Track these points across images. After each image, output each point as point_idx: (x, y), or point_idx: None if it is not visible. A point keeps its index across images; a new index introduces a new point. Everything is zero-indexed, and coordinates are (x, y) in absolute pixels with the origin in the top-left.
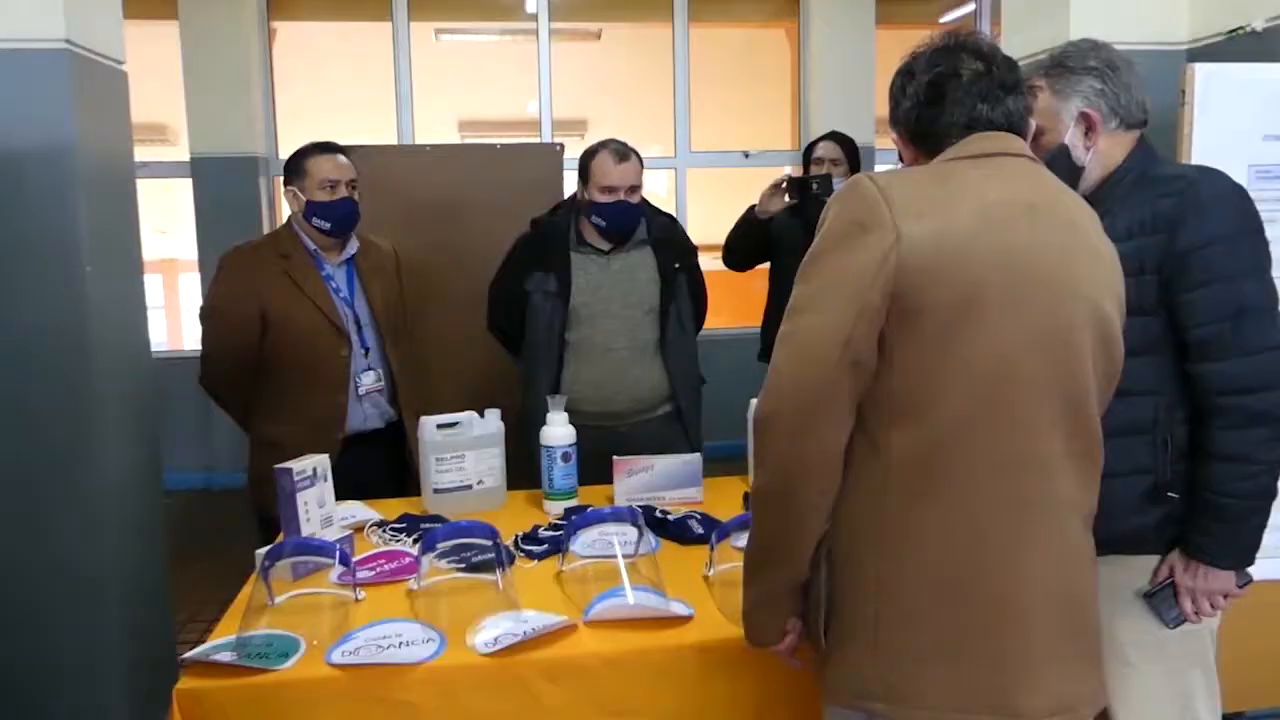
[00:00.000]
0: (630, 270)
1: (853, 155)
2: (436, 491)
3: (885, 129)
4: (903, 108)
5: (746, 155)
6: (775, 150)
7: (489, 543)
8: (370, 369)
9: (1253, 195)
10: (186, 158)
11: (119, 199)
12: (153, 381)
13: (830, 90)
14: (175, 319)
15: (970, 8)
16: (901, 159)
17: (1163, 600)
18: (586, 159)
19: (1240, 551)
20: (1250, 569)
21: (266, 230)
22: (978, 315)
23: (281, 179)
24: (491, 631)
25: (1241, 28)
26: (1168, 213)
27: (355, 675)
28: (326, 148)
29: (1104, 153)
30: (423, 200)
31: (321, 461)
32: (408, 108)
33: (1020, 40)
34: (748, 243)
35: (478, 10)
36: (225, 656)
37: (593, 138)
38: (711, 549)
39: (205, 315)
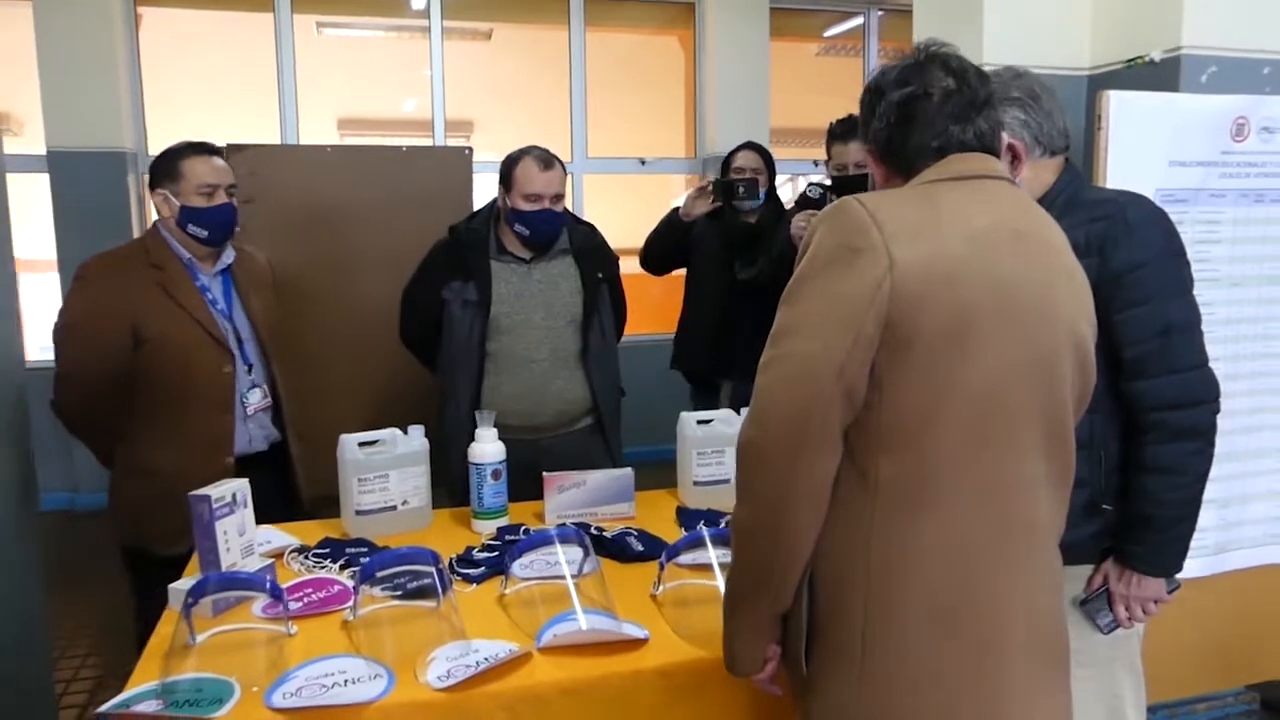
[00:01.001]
0: (552, 280)
1: (770, 165)
2: (359, 513)
3: (780, 139)
4: (873, 127)
5: (643, 162)
6: (672, 158)
7: (430, 569)
8: (255, 386)
9: None
10: (41, 150)
11: None
12: (23, 394)
13: (725, 99)
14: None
15: (857, 21)
16: (863, 176)
17: (1097, 608)
18: (509, 165)
19: (1171, 559)
20: (1178, 575)
21: (137, 231)
22: (967, 343)
23: (147, 178)
24: (443, 664)
25: (1140, 57)
26: (1099, 235)
27: (300, 719)
28: (201, 148)
29: (1031, 180)
30: (324, 204)
31: (241, 486)
32: (291, 103)
33: None
34: (668, 244)
35: (364, 5)
36: (149, 706)
37: (480, 139)
38: (661, 568)
39: (62, 331)
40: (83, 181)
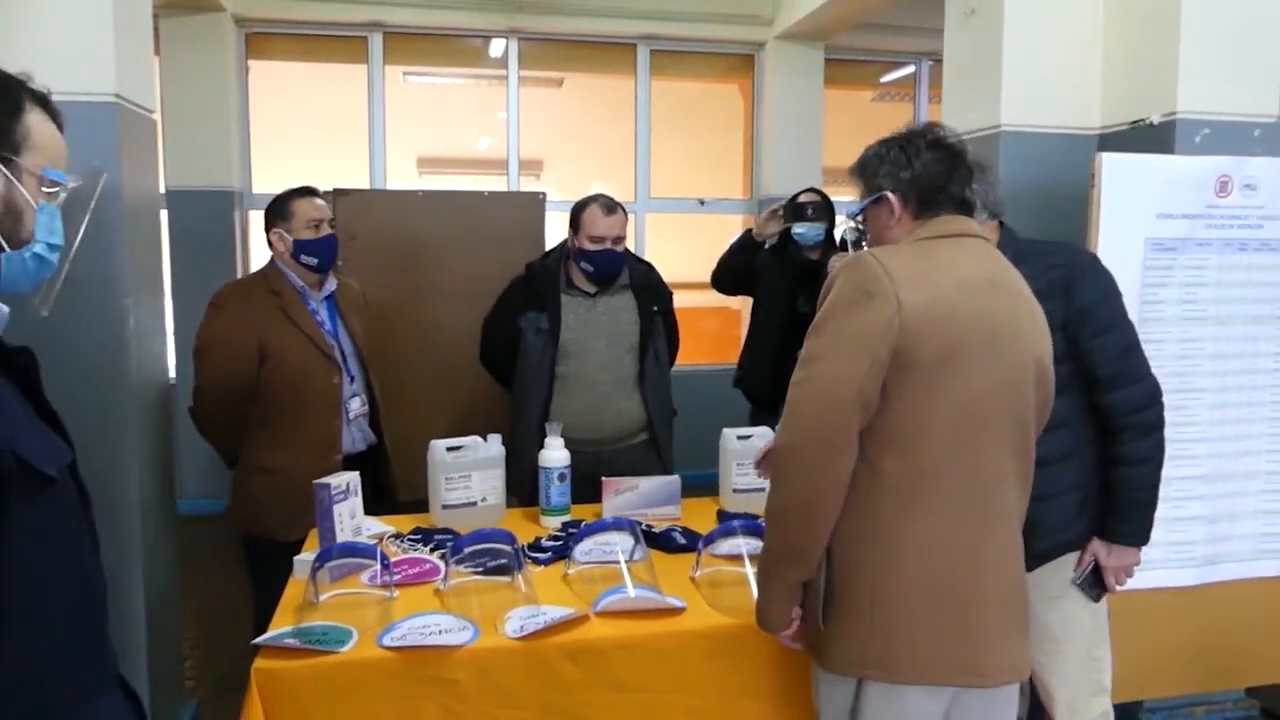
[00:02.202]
0: (613, 312)
1: (830, 210)
2: (445, 507)
3: (833, 179)
4: (904, 176)
5: (702, 202)
6: (729, 199)
7: (509, 548)
8: (356, 395)
9: (1148, 262)
10: (162, 189)
11: (150, 234)
12: (169, 407)
13: (781, 144)
14: None
15: (909, 69)
16: (864, 216)
17: (1090, 582)
18: (578, 210)
19: (1147, 531)
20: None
21: (239, 260)
22: (956, 366)
23: (260, 215)
24: (517, 621)
25: (1142, 120)
26: (1061, 280)
27: (406, 656)
28: (305, 191)
29: None
30: (414, 241)
31: (353, 478)
32: (380, 146)
33: (958, 120)
34: (740, 263)
35: (447, 55)
36: (291, 641)
37: (550, 177)
38: (699, 555)
39: (202, 350)
40: (195, 217)
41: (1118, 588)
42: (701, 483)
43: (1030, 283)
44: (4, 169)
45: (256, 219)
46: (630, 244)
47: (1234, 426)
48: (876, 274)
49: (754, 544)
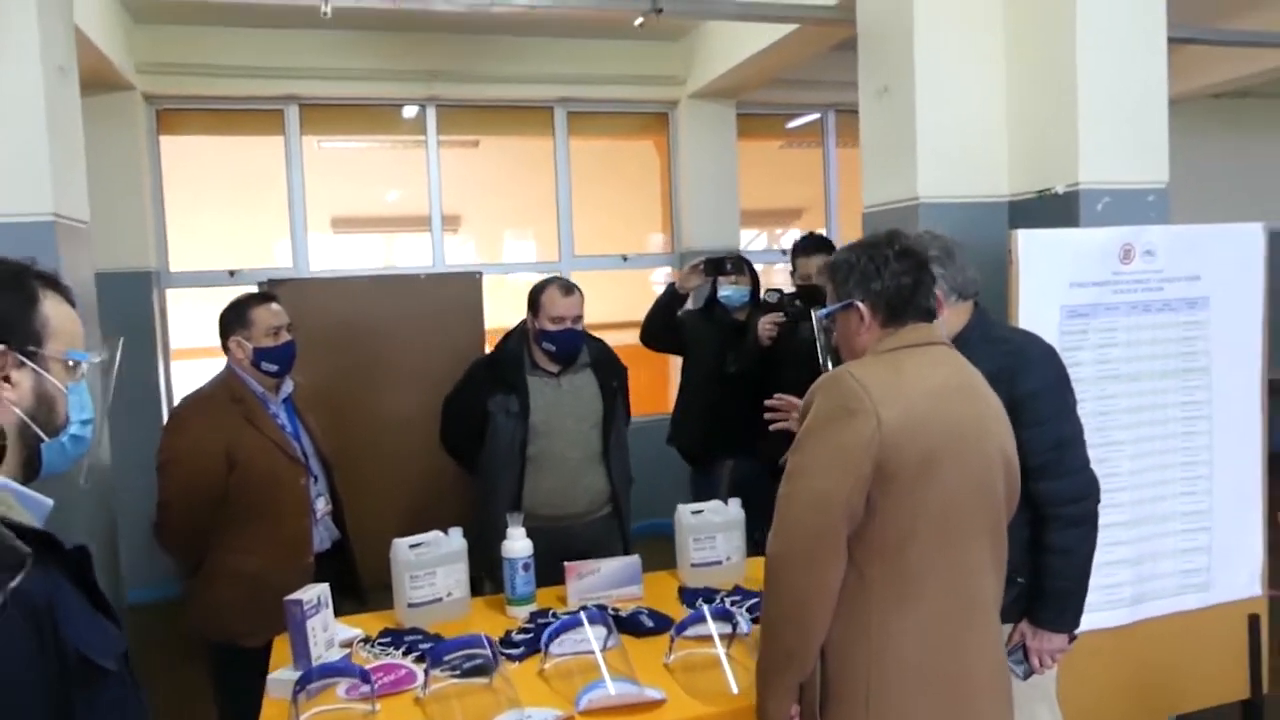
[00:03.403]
0: (577, 390)
1: (754, 277)
2: (411, 606)
3: (749, 220)
4: (874, 287)
5: (625, 258)
6: (651, 254)
7: (487, 652)
8: (320, 494)
9: (1064, 328)
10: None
11: (91, 328)
12: (108, 496)
13: (699, 198)
14: None
15: (815, 116)
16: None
17: (1017, 659)
18: (536, 293)
19: (1070, 619)
20: (1077, 629)
21: (159, 342)
22: (934, 473)
23: (178, 294)
24: None
25: (1048, 189)
26: (1008, 368)
27: None
28: (264, 298)
29: (949, 321)
30: (354, 327)
31: (323, 590)
32: (300, 218)
33: (878, 192)
34: (666, 317)
35: (362, 123)
36: None
37: (466, 232)
38: (672, 641)
39: (168, 464)
40: (116, 299)
41: (1040, 669)
42: (649, 534)
43: (983, 364)
44: (31, 364)
45: (174, 297)
46: None
47: (1151, 474)
48: (856, 392)
49: (724, 627)
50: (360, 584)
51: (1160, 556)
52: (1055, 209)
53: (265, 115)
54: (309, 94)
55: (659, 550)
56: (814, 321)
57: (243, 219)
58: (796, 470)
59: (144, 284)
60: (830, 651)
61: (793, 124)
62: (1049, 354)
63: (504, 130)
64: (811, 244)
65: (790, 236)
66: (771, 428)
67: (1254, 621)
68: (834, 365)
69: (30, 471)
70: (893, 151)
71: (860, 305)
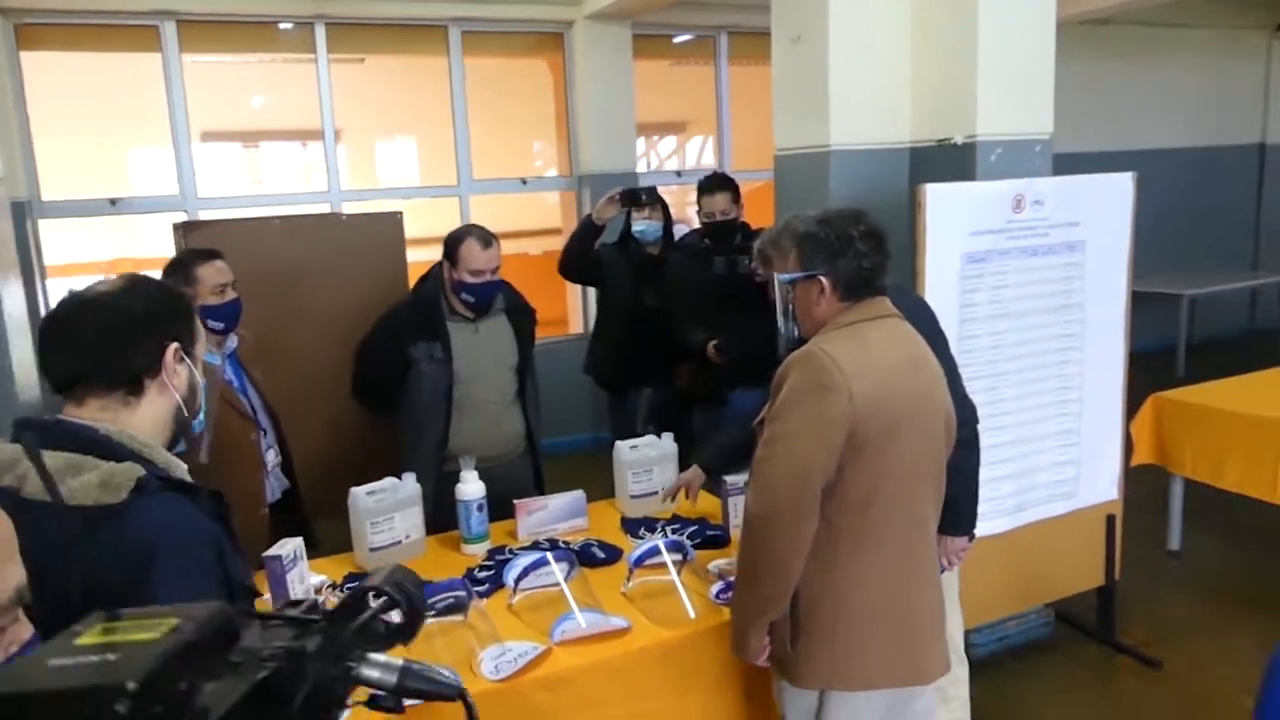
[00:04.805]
0: (494, 334)
1: (667, 213)
2: (373, 550)
3: (642, 131)
4: (838, 264)
5: (524, 182)
6: (550, 177)
7: (464, 594)
8: (270, 447)
9: (964, 273)
10: None
11: None
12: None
13: (597, 120)
14: None
15: (702, 35)
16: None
17: None
18: (454, 244)
19: (967, 523)
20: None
21: (37, 276)
22: (896, 438)
23: (52, 224)
24: (490, 663)
25: (948, 139)
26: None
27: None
28: (208, 255)
29: None
30: (274, 271)
31: (297, 544)
32: (184, 139)
33: (789, 137)
34: (585, 247)
35: (244, 40)
36: None
37: (357, 154)
38: (631, 571)
39: None
40: None
41: (949, 567)
42: (563, 450)
43: None
44: (190, 364)
45: (47, 228)
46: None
47: (1032, 399)
48: (830, 369)
49: (676, 556)
50: (312, 531)
51: (1037, 470)
52: (953, 158)
53: (138, 31)
54: (186, 9)
55: (576, 466)
56: (775, 284)
57: (120, 142)
58: (775, 437)
59: (17, 214)
60: (801, 593)
61: (679, 39)
62: (925, 304)
63: (394, 49)
64: (716, 183)
65: (681, 150)
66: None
67: (1110, 521)
68: (785, 323)
69: (171, 446)
70: (805, 98)
71: (823, 279)
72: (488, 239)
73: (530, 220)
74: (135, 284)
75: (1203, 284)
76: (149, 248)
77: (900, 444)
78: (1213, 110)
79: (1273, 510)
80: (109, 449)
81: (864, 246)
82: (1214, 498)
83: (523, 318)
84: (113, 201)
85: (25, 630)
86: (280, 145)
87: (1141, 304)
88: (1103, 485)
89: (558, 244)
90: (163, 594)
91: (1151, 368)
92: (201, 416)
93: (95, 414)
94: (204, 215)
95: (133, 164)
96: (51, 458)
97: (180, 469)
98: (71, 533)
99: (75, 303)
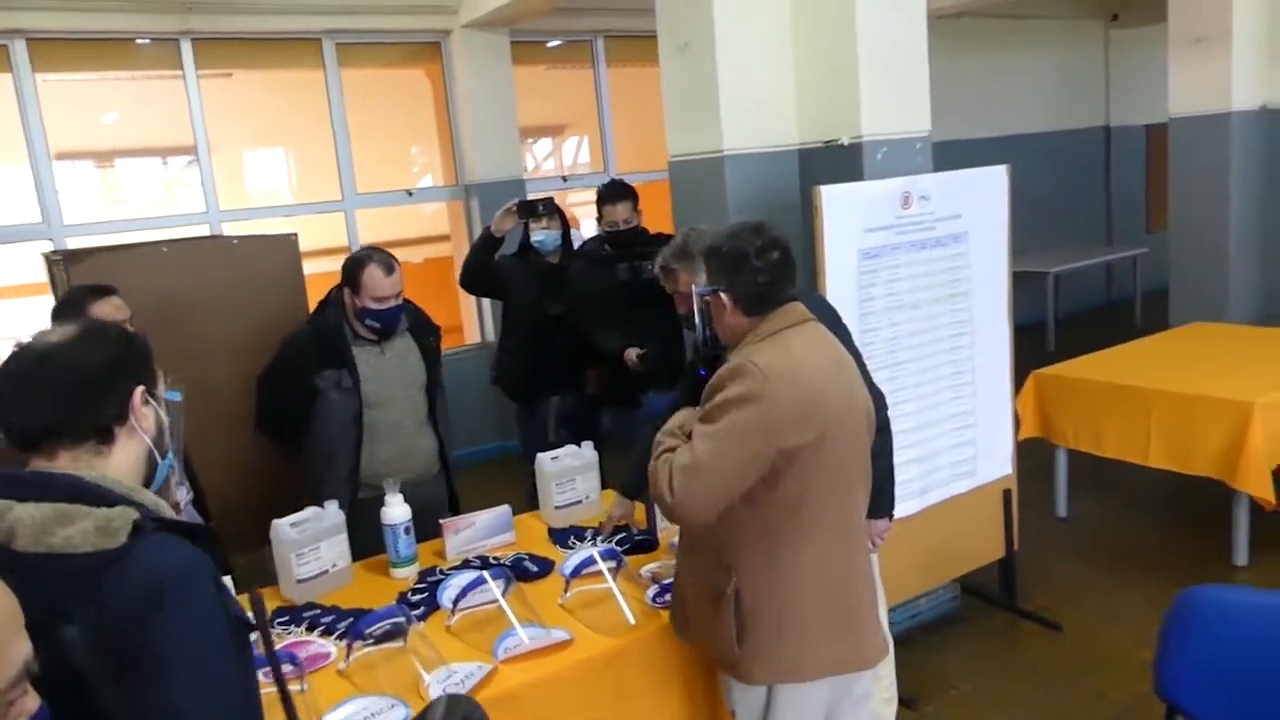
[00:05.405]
0: (401, 356)
1: (565, 223)
2: (300, 581)
3: (525, 135)
4: (736, 280)
5: (410, 193)
6: (436, 187)
7: (403, 619)
8: (181, 484)
9: (861, 269)
10: None
11: None
12: None
13: (479, 129)
14: None
15: (576, 40)
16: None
17: None
18: (354, 269)
19: (887, 505)
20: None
21: None
22: (825, 442)
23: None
24: (438, 687)
25: (834, 140)
26: None
27: None
28: (100, 291)
29: None
30: (166, 302)
31: (226, 582)
32: (46, 169)
33: (682, 144)
34: (483, 260)
35: (102, 58)
36: None
37: (220, 165)
38: (568, 583)
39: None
40: None
41: (873, 548)
42: (460, 462)
43: None
44: (155, 405)
45: None
46: (345, 242)
47: (930, 385)
48: (759, 380)
49: (611, 564)
50: (231, 567)
51: (939, 453)
52: (840, 158)
53: None
54: (37, 27)
55: (489, 475)
56: (693, 295)
57: None
58: (702, 436)
59: None
60: (744, 593)
61: (552, 43)
62: (826, 302)
63: (265, 63)
64: (616, 192)
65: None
66: None
67: (1007, 495)
68: (700, 330)
69: (146, 487)
70: (695, 105)
71: (724, 295)
72: (390, 264)
73: (414, 229)
74: (90, 331)
75: (1066, 261)
76: (9, 276)
77: (831, 444)
78: (1064, 96)
79: (1149, 473)
80: (98, 495)
81: (760, 263)
82: (1095, 464)
83: (427, 335)
84: None
85: (33, 702)
86: (145, 165)
87: (1014, 283)
88: (998, 462)
89: (442, 251)
90: (177, 631)
91: (1025, 342)
92: (170, 455)
93: (68, 465)
94: (71, 243)
95: None
96: (36, 509)
97: (166, 509)
98: (72, 582)
99: (31, 358)
